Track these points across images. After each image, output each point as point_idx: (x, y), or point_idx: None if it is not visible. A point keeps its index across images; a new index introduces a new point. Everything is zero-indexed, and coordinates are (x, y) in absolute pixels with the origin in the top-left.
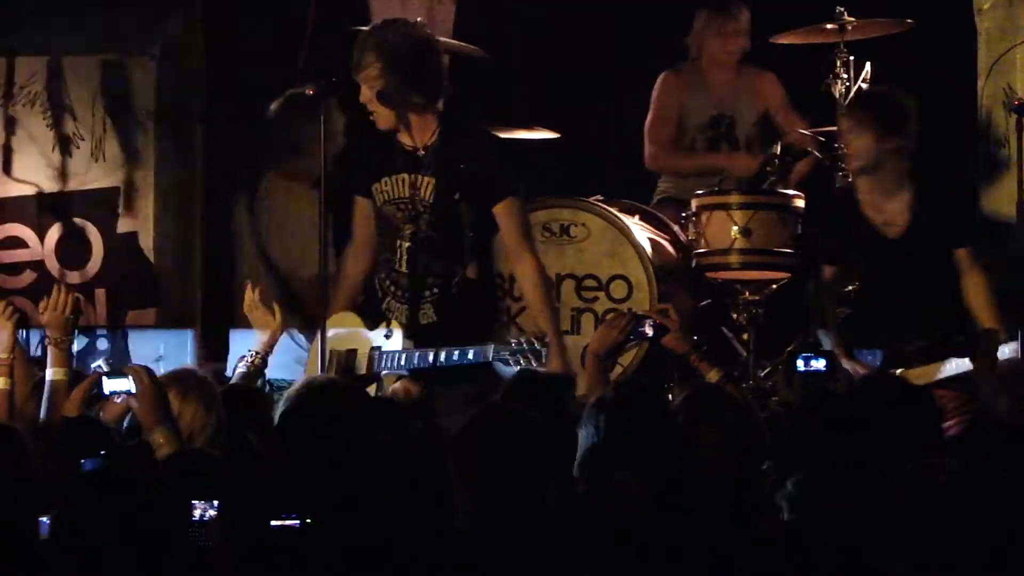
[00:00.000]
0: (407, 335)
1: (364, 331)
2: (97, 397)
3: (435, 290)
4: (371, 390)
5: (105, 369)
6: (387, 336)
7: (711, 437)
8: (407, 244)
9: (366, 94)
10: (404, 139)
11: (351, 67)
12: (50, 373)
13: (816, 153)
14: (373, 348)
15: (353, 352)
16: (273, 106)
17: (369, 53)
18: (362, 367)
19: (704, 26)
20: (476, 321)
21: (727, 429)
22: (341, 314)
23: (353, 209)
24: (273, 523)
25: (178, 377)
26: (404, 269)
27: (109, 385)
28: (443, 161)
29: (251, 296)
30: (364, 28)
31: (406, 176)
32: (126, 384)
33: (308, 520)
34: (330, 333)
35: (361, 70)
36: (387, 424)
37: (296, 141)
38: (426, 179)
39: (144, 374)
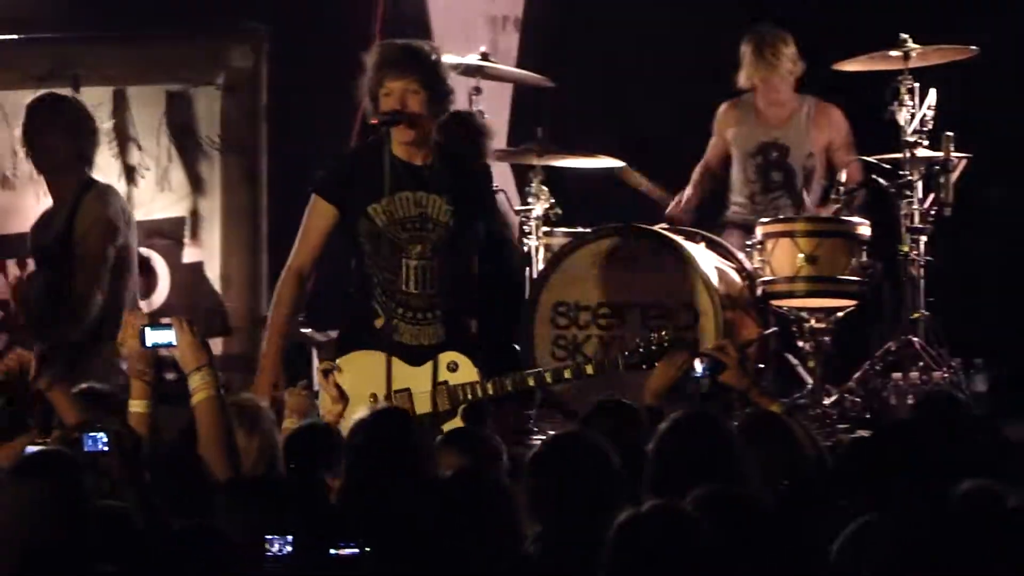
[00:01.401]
0: (412, 355)
1: (398, 365)
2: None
3: (446, 309)
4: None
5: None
6: (452, 369)
7: (760, 464)
8: (414, 263)
9: (401, 100)
10: (403, 155)
11: (377, 75)
12: (131, 405)
13: (879, 181)
14: (440, 383)
15: (406, 392)
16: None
17: (407, 64)
18: (425, 405)
19: (748, 69)
20: (468, 333)
21: (776, 456)
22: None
23: (311, 222)
24: (332, 551)
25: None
26: (413, 290)
27: (151, 337)
28: (448, 179)
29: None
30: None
31: (410, 194)
32: (168, 336)
33: (367, 548)
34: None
35: (396, 79)
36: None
37: None
38: (433, 197)
39: (185, 323)
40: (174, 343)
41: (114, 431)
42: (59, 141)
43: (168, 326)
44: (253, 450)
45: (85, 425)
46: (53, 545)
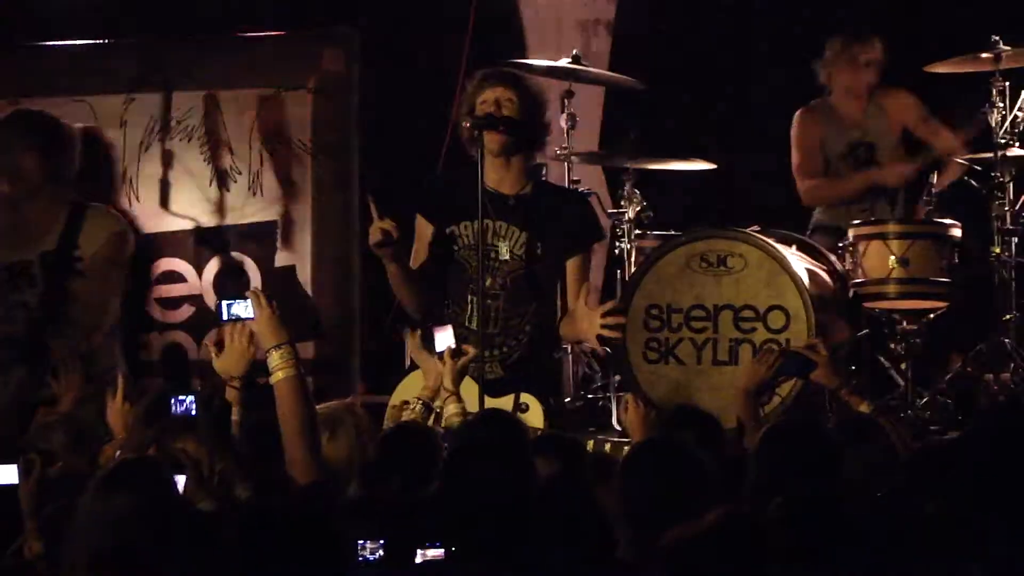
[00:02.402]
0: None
1: (470, 388)
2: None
3: (504, 349)
4: None
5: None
6: (523, 410)
7: (856, 466)
8: (479, 299)
9: (495, 106)
10: (493, 183)
11: (475, 89)
12: None
13: (971, 182)
14: None
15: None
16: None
17: (503, 76)
18: None
19: (835, 56)
20: (540, 375)
21: (873, 459)
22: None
23: (416, 242)
24: (419, 552)
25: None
26: (474, 326)
27: (229, 310)
28: (535, 214)
29: (415, 341)
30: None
31: (490, 223)
32: (245, 309)
33: (452, 549)
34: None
35: (492, 88)
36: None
37: None
38: (514, 230)
39: (263, 298)
40: (252, 316)
41: (202, 394)
42: (33, 162)
43: (245, 299)
44: (334, 456)
45: (173, 388)
46: (138, 554)
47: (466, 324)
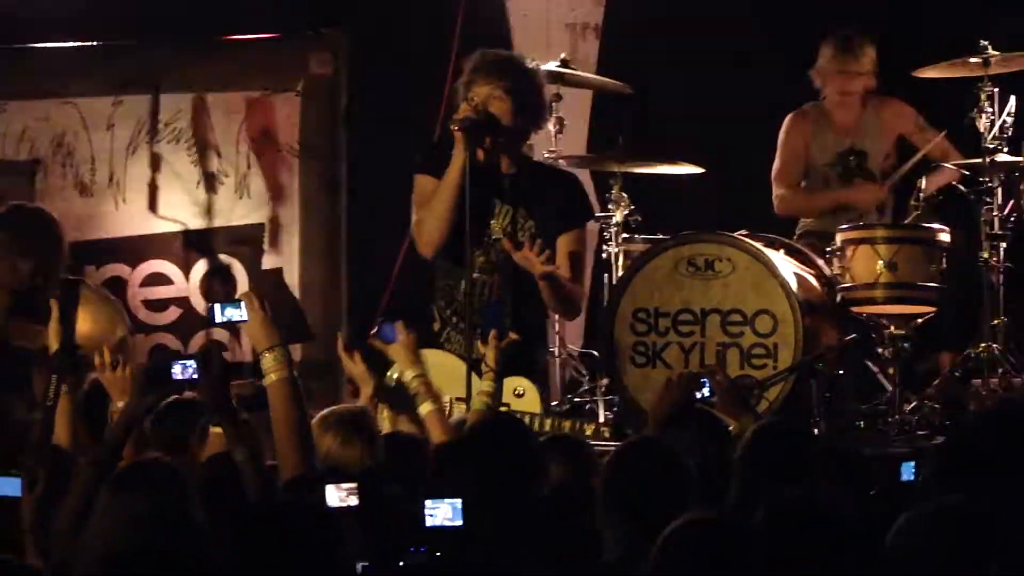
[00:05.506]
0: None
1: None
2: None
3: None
4: None
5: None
6: (518, 395)
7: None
8: (474, 275)
9: (484, 105)
10: (486, 159)
11: (467, 82)
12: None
13: (959, 187)
14: (503, 404)
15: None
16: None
17: (495, 70)
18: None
19: (827, 63)
20: (530, 357)
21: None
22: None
23: (420, 203)
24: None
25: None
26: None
27: (222, 313)
28: (523, 190)
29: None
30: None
31: (483, 199)
32: (239, 312)
33: (437, 553)
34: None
35: (482, 84)
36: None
37: None
38: (506, 208)
39: (256, 300)
40: (246, 319)
41: (201, 355)
42: (28, 265)
43: (238, 303)
44: (346, 460)
45: (172, 353)
46: (149, 557)
47: (460, 298)
